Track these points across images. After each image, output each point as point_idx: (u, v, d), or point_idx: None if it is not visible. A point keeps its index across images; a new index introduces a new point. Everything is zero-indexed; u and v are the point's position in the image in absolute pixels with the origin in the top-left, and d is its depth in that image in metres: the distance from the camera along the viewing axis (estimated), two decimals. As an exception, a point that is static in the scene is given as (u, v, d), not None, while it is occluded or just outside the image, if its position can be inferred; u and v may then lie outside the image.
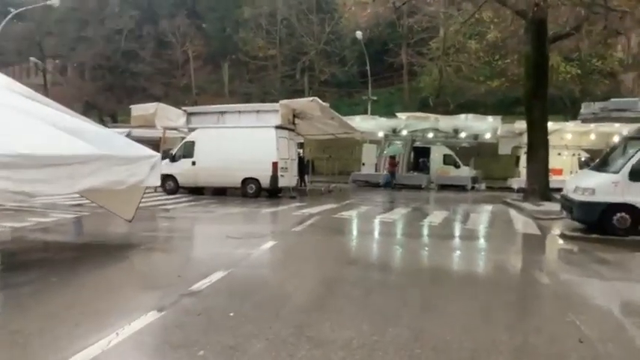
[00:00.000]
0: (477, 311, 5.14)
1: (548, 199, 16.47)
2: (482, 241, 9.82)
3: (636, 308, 5.78)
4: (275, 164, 17.74)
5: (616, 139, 24.64)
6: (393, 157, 26.03)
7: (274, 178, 17.80)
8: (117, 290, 5.70)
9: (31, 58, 40.53)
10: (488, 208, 16.49)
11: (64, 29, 45.13)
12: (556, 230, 11.35)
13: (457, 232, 11.02)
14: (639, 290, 6.61)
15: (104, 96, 42.51)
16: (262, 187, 18.08)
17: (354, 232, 10.59)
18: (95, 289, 5.74)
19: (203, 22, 46.40)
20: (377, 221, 12.31)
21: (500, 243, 9.79)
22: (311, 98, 18.17)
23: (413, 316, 4.91)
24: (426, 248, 8.68)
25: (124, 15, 42.99)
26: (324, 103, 18.79)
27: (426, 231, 10.98)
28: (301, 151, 26.15)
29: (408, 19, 37.62)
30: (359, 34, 31.78)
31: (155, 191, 19.17)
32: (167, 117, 20.13)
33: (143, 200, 16.41)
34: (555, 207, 14.93)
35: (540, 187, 16.72)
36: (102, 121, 39.60)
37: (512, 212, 15.19)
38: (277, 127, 18.04)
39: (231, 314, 4.78)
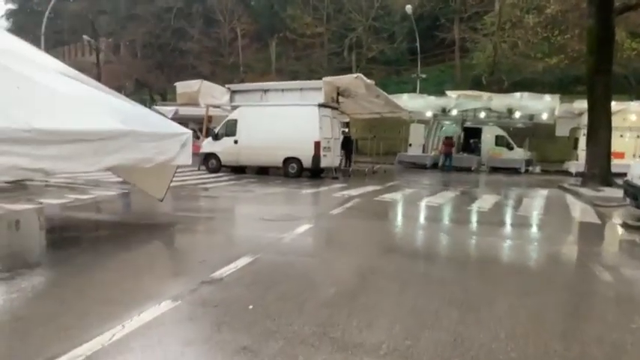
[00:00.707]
0: (527, 314, 4.52)
1: (610, 184, 15.28)
2: (535, 230, 9.02)
3: None
4: (317, 144, 17.27)
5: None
6: (449, 138, 24.99)
7: (316, 157, 17.35)
8: (136, 276, 5.39)
9: (85, 37, 41.49)
10: (543, 192, 15.46)
11: (115, 7, 45.90)
12: (618, 219, 10.37)
13: (508, 219, 10.24)
14: None
15: (154, 74, 43.10)
16: (304, 167, 17.68)
17: (396, 217, 10.00)
18: (115, 274, 5.46)
19: (251, 0, 46.01)
20: (421, 205, 11.65)
21: (555, 232, 8.97)
22: (355, 75, 17.49)
23: (454, 317, 4.34)
24: (473, 237, 7.99)
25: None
26: (369, 80, 18.06)
27: (474, 217, 10.25)
28: (347, 130, 25.59)
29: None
30: (409, 8, 30.60)
31: (198, 169, 19.20)
32: (211, 94, 19.98)
33: (184, 178, 16.58)
34: (617, 193, 13.80)
35: (601, 172, 15.52)
36: (152, 99, 40.30)
37: (569, 198, 14.16)
38: (320, 106, 17.51)
39: (251, 307, 4.36)
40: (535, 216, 10.55)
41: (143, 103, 30.44)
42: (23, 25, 57.99)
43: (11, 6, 61.51)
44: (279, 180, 16.50)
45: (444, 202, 12.27)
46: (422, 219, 9.74)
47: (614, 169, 15.99)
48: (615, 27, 15.58)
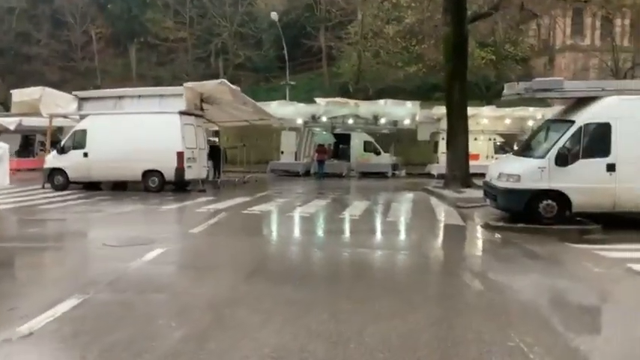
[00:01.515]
0: (400, 342, 4.00)
1: (469, 185, 16.00)
2: (404, 237, 8.86)
3: (584, 318, 4.92)
4: (180, 154, 15.96)
5: (530, 123, 25.13)
6: (322, 145, 24.87)
7: (180, 170, 16.02)
8: None
9: None
10: (410, 196, 15.76)
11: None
12: (480, 220, 10.64)
13: (378, 227, 10.02)
14: (580, 290, 5.79)
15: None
16: (166, 180, 16.26)
17: (264, 232, 9.24)
18: None
19: (105, 1, 42.59)
20: (292, 216, 11.06)
21: (424, 238, 8.88)
22: (219, 80, 16.55)
23: (320, 355, 3.67)
24: (344, 249, 7.49)
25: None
26: (234, 86, 17.19)
27: (345, 226, 9.88)
28: (217, 139, 24.46)
29: (325, 1, 36.69)
30: (274, 14, 30.29)
31: (43, 187, 16.89)
32: (55, 103, 17.70)
33: (22, 198, 14.33)
34: (477, 194, 14.38)
35: (461, 174, 16.23)
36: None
37: (434, 200, 14.51)
38: (182, 113, 16.24)
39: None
40: (403, 221, 10.47)
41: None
42: None
43: None
44: (137, 196, 14.93)
45: (315, 211, 11.81)
46: (291, 232, 9.11)
47: (471, 171, 16.82)
48: (468, 35, 16.44)
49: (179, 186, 16.84)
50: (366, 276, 6.06)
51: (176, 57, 39.67)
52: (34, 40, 38.40)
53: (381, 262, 6.80)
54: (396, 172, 25.79)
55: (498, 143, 26.56)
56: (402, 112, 25.39)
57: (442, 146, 25.25)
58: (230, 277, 5.82)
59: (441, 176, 23.23)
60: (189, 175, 16.38)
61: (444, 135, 25.23)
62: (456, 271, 6.41)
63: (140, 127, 16.08)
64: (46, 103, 17.37)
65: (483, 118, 25.29)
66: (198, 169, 16.90)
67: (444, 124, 25.26)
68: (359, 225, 9.84)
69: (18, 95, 17.69)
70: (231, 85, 16.93)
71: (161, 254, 6.84)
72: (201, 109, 17.74)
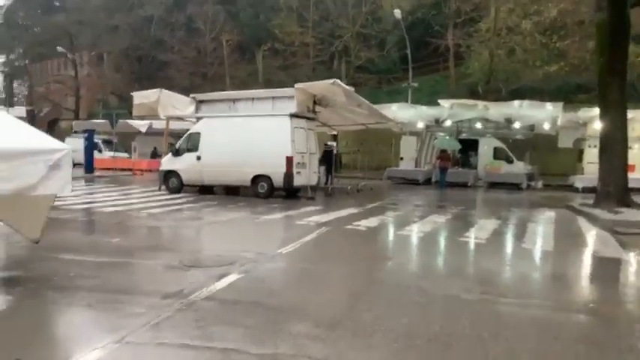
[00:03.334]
0: None
1: (628, 204, 13.02)
2: (548, 276, 6.73)
3: None
4: (289, 159, 15.04)
5: None
6: (444, 151, 22.72)
7: (289, 175, 15.10)
8: None
9: (59, 49, 39.44)
10: (550, 214, 13.19)
11: (95, 19, 43.90)
12: (652, 253, 8.14)
13: (511, 257, 7.95)
14: None
15: (132, 87, 40.97)
16: (275, 186, 15.42)
17: (361, 258, 7.61)
18: None
19: (235, 9, 43.96)
20: (401, 237, 9.37)
21: (576, 278, 6.73)
22: (332, 80, 15.29)
23: None
24: (465, 295, 5.62)
25: (154, 1, 41.20)
26: (347, 87, 15.90)
27: (466, 255, 7.98)
28: (334, 144, 23.49)
29: (455, -3, 34.29)
30: (397, 12, 28.62)
31: (159, 190, 17.00)
32: (172, 105, 17.78)
33: (132, 201, 14.32)
34: (638, 215, 11.63)
35: (617, 189, 13.24)
36: (130, 113, 38.08)
37: (582, 222, 11.88)
38: (293, 116, 15.31)
39: None
40: (545, 250, 8.26)
41: (123, 117, 28.37)
42: (7, 40, 56.28)
43: (-4, 19, 59.59)
44: (243, 202, 14.23)
45: (431, 230, 9.99)
46: (394, 262, 7.37)
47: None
48: (630, 21, 13.44)
49: (289, 192, 15.96)
50: (499, 349, 4.23)
51: (298, 61, 39.60)
52: (169, 47, 40.68)
53: (519, 322, 4.87)
54: (532, 184, 22.72)
55: (658, 152, 22.37)
56: (541, 115, 22.27)
57: (589, 155, 21.89)
58: (301, 327, 4.36)
59: (587, 190, 20.03)
60: (298, 181, 15.40)
61: (591, 142, 21.91)
62: (637, 343, 4.34)
63: (250, 130, 15.51)
64: (164, 105, 17.50)
65: (640, 123, 21.36)
66: (307, 175, 15.85)
67: (591, 130, 21.95)
68: (485, 254, 7.89)
69: (138, 98, 18.05)
70: (345, 85, 15.66)
71: (233, 283, 5.61)
72: (314, 111, 16.69)
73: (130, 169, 27.75)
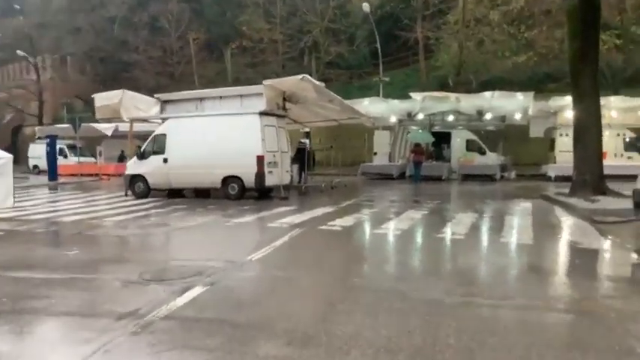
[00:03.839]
0: None
1: (604, 192, 12.96)
2: (530, 272, 6.44)
3: None
4: (260, 158, 14.55)
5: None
6: (418, 145, 22.45)
7: (260, 175, 14.61)
8: None
9: (19, 52, 37.96)
10: (527, 206, 13.03)
11: (55, 21, 42.39)
12: (635, 243, 7.96)
13: (492, 253, 7.65)
14: None
15: (97, 90, 39.69)
16: (247, 186, 14.91)
17: (334, 261, 7.16)
18: None
19: (200, 7, 42.98)
20: (377, 236, 9.00)
21: (559, 273, 6.46)
22: (300, 76, 14.84)
23: None
24: (448, 298, 5.28)
25: (115, 1, 39.93)
26: (317, 82, 15.48)
27: (446, 252, 7.66)
28: (307, 141, 23.05)
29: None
30: (366, 5, 28.32)
31: (126, 195, 16.32)
32: (135, 106, 17.06)
33: (95, 208, 13.59)
34: (615, 203, 11.52)
35: (592, 177, 13.19)
36: (94, 115, 36.88)
37: (559, 212, 11.75)
38: (262, 114, 14.82)
39: None
40: (525, 244, 7.99)
41: (87, 120, 27.29)
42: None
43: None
44: (213, 205, 13.69)
45: (408, 227, 9.66)
46: (371, 264, 6.97)
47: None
48: (600, 5, 13.34)
49: (261, 193, 15.47)
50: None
51: (267, 58, 38.97)
52: (133, 47, 39.53)
53: (507, 328, 4.52)
54: (505, 175, 22.70)
55: (628, 139, 22.62)
56: (512, 105, 22.26)
57: (560, 144, 22.00)
58: (270, 347, 3.92)
59: (560, 179, 20.11)
60: (270, 180, 14.93)
61: (562, 131, 22.01)
62: (634, 344, 4.02)
63: (219, 130, 14.98)
64: (127, 107, 16.76)
65: (611, 110, 21.47)
66: (280, 174, 15.38)
67: (562, 119, 22.03)
68: (464, 250, 7.58)
69: (99, 100, 17.25)
70: (314, 81, 15.24)
71: (197, 298, 5.13)
72: (284, 108, 16.23)
73: (97, 174, 26.83)
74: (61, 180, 24.16)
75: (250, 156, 14.50)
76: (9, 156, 5.07)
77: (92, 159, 29.84)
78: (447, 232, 8.97)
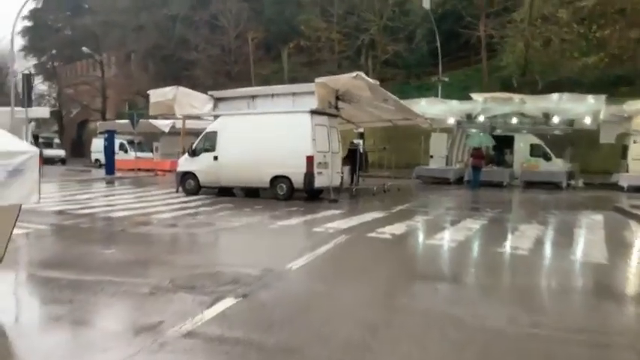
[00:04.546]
0: None
1: (688, 206, 11.61)
2: (611, 305, 5.55)
3: None
4: (310, 159, 14.07)
5: None
6: (478, 149, 21.33)
7: (309, 176, 14.14)
8: None
9: (84, 49, 39.41)
10: (598, 218, 11.86)
11: (120, 19, 43.83)
12: None
13: (561, 276, 6.76)
14: None
15: (157, 86, 40.64)
16: (295, 187, 14.48)
17: (383, 275, 6.52)
18: None
19: (260, 6, 43.12)
20: (430, 248, 8.28)
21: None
22: (354, 73, 14.25)
23: None
24: (511, 334, 4.56)
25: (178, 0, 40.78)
26: (372, 80, 14.85)
27: (507, 274, 6.86)
28: (360, 142, 22.46)
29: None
30: (426, 2, 27.29)
31: (177, 191, 16.29)
32: (189, 103, 17.05)
33: (144, 204, 13.53)
34: None
35: (675, 190, 11.84)
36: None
37: (636, 227, 10.59)
38: (313, 112, 14.34)
39: None
40: (601, 266, 7.03)
41: (146, 117, 27.85)
42: (38, 42, 56.85)
43: (27, 23, 60.27)
44: (261, 205, 13.34)
45: (465, 239, 8.86)
46: (422, 280, 6.25)
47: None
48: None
49: (310, 194, 15.01)
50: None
51: (323, 56, 38.59)
52: (193, 46, 40.19)
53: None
54: (572, 183, 21.18)
55: None
56: (582, 108, 20.73)
57: (634, 151, 20.31)
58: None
59: (633, 189, 18.58)
60: (319, 182, 14.43)
61: (636, 137, 20.31)
62: None
63: (269, 128, 14.63)
64: (181, 104, 16.77)
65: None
66: (329, 175, 14.83)
67: (637, 124, 20.33)
68: (530, 269, 6.76)
69: (154, 96, 17.36)
70: (369, 79, 14.62)
71: (226, 311, 4.67)
72: (337, 107, 15.68)
73: (153, 170, 27.28)
74: (118, 174, 24.69)
75: (300, 156, 14.06)
76: (34, 150, 4.75)
77: (151, 155, 30.49)
78: (509, 247, 8.13)
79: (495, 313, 4.85)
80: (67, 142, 51.32)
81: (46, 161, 35.61)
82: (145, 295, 5.21)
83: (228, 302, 4.93)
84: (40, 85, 59.63)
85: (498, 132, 23.21)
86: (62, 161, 38.98)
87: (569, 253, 7.83)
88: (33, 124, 42.67)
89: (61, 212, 11.57)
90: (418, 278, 6.22)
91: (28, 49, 58.88)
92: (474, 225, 10.36)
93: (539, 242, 8.70)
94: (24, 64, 56.04)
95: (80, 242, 8.27)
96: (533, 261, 7.25)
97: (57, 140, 42.84)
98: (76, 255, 7.26)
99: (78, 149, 49.27)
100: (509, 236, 9.14)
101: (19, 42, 58.28)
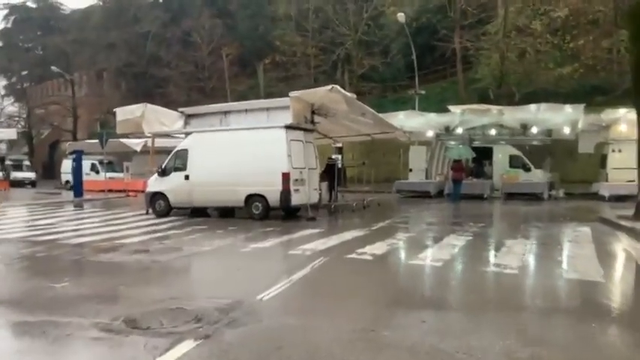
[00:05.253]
0: None
1: (675, 216, 11.32)
2: (617, 333, 5.05)
3: None
4: (286, 176, 13.49)
5: None
6: (458, 161, 21.01)
7: (285, 194, 13.54)
8: None
9: (53, 68, 38.39)
10: (584, 230, 11.47)
11: (91, 37, 42.99)
12: None
13: (557, 298, 6.24)
14: None
15: (130, 105, 39.79)
16: (271, 206, 13.86)
17: (363, 304, 5.88)
18: None
19: (233, 22, 42.73)
20: (413, 269, 7.71)
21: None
22: (330, 87, 13.80)
23: None
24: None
25: (149, 17, 40.16)
26: (348, 94, 14.42)
27: (498, 296, 6.32)
28: (339, 157, 21.99)
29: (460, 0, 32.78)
30: (401, 16, 27.20)
31: (147, 213, 15.54)
32: (158, 120, 16.35)
33: (112, 227, 12.77)
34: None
35: (661, 199, 11.56)
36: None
37: (624, 239, 10.22)
38: (288, 127, 13.80)
39: None
40: (596, 284, 6.55)
41: (116, 136, 26.93)
42: (8, 63, 55.42)
43: (-4, 43, 58.80)
44: (235, 226, 12.68)
45: (450, 257, 8.32)
46: (406, 308, 5.62)
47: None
48: None
49: (287, 212, 14.41)
50: None
51: (299, 71, 38.25)
52: (165, 63, 39.52)
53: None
54: (552, 193, 20.97)
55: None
56: (560, 118, 20.58)
57: (613, 160, 20.20)
58: None
59: (614, 199, 18.38)
60: (296, 199, 13.84)
61: (615, 146, 20.23)
62: None
63: (242, 145, 14.04)
64: (149, 121, 16.05)
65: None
66: (307, 192, 14.24)
67: (615, 133, 20.26)
68: (522, 291, 6.27)
69: (121, 114, 16.62)
70: (345, 92, 14.18)
71: (182, 358, 4.01)
72: (312, 122, 15.16)
73: (124, 191, 26.35)
74: (88, 196, 23.73)
75: (275, 173, 13.49)
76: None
77: (122, 175, 29.49)
78: (497, 265, 7.62)
79: (489, 346, 4.29)
80: (38, 163, 49.85)
81: (15, 184, 34.48)
82: (90, 340, 4.52)
83: (186, 346, 4.28)
84: (9, 107, 58.23)
85: (476, 144, 23.02)
86: (32, 184, 37.66)
87: (561, 270, 7.35)
88: (4, 146, 41.48)
89: (19, 240, 10.75)
90: (402, 306, 5.62)
91: (-3, 70, 57.49)
92: (457, 242, 9.84)
93: (527, 259, 8.23)
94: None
95: (31, 274, 7.53)
96: (524, 281, 6.77)
97: (27, 162, 41.46)
98: (23, 290, 6.52)
99: (49, 171, 47.85)
100: (496, 253, 8.64)
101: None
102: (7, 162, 37.47)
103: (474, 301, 5.86)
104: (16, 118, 55.85)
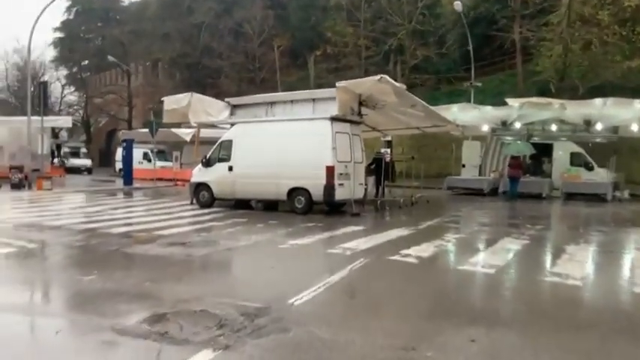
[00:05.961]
0: None
1: None
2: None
3: None
4: (330, 169, 12.99)
5: None
6: (516, 158, 19.87)
7: (329, 188, 13.05)
8: None
9: (110, 58, 39.41)
10: (656, 237, 10.39)
11: (147, 28, 43.92)
12: None
13: (627, 317, 5.44)
14: None
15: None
16: (314, 200, 13.40)
17: (403, 316, 5.30)
18: None
19: (285, 13, 42.48)
20: (462, 276, 7.00)
21: None
22: (378, 77, 13.16)
23: None
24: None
25: (203, 8, 40.56)
26: (397, 84, 13.73)
27: (561, 313, 5.54)
28: (387, 150, 21.27)
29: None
30: (458, 5, 26.01)
31: (191, 203, 15.44)
32: (204, 110, 16.20)
33: (156, 217, 12.70)
34: None
35: None
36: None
37: None
38: (334, 119, 13.28)
39: None
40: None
41: (167, 125, 27.26)
42: (70, 53, 57.57)
43: (59, 34, 61.16)
44: (276, 220, 12.30)
45: (504, 264, 7.57)
46: (452, 323, 4.98)
47: None
48: None
49: (331, 207, 13.94)
50: None
51: (349, 63, 37.55)
52: (217, 54, 39.82)
53: None
54: (617, 194, 19.49)
55: None
56: (627, 114, 19.07)
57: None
58: None
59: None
60: (340, 194, 13.32)
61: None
62: None
63: (286, 136, 13.65)
64: (195, 111, 15.92)
65: None
66: (351, 187, 13.67)
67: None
68: (588, 307, 5.49)
69: (168, 103, 16.57)
70: (394, 82, 13.52)
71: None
72: (360, 114, 14.56)
73: (173, 180, 26.66)
74: (137, 184, 24.09)
75: (319, 166, 13.03)
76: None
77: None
78: (558, 274, 6.83)
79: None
80: (95, 151, 51.60)
81: (72, 170, 35.71)
82: (103, 344, 4.18)
83: (202, 357, 3.85)
84: (69, 96, 60.59)
85: (536, 139, 21.72)
86: (88, 170, 38.96)
87: (631, 284, 6.49)
88: (65, 133, 43.09)
89: (59, 227, 10.76)
90: (448, 320, 5.00)
91: (59, 60, 59.76)
92: (513, 246, 9.03)
93: (593, 269, 7.38)
94: (55, 75, 57.00)
95: (63, 265, 7.38)
96: (588, 294, 5.98)
97: (84, 150, 42.94)
98: (48, 283, 6.34)
99: (106, 159, 49.47)
100: (556, 261, 7.81)
101: (51, 53, 59.43)
102: (65, 149, 38.89)
103: (530, 318, 5.14)
104: (75, 107, 58.01)
